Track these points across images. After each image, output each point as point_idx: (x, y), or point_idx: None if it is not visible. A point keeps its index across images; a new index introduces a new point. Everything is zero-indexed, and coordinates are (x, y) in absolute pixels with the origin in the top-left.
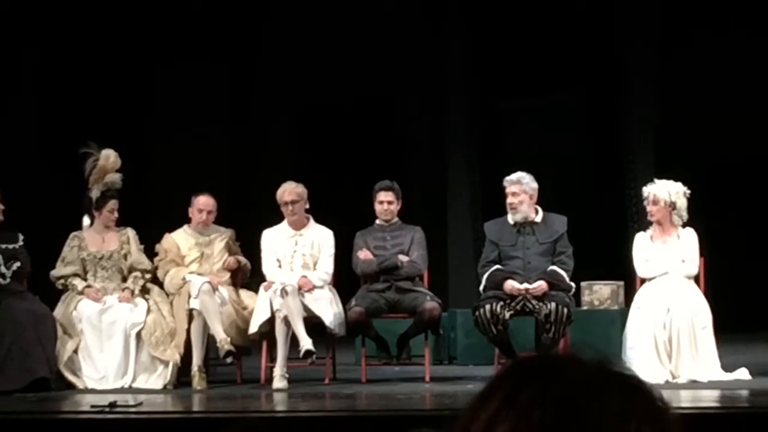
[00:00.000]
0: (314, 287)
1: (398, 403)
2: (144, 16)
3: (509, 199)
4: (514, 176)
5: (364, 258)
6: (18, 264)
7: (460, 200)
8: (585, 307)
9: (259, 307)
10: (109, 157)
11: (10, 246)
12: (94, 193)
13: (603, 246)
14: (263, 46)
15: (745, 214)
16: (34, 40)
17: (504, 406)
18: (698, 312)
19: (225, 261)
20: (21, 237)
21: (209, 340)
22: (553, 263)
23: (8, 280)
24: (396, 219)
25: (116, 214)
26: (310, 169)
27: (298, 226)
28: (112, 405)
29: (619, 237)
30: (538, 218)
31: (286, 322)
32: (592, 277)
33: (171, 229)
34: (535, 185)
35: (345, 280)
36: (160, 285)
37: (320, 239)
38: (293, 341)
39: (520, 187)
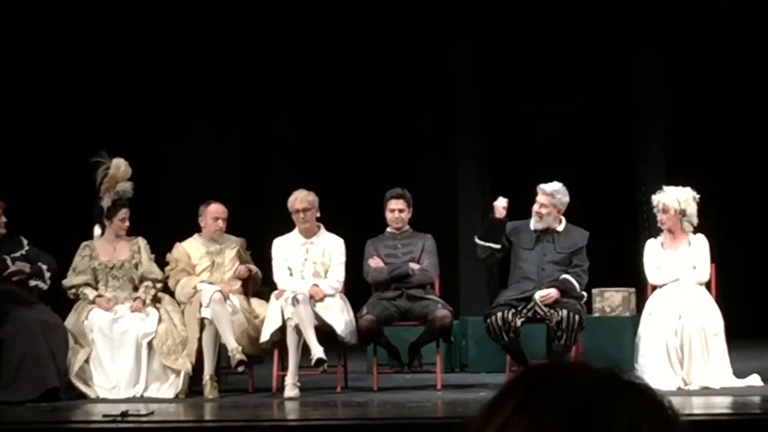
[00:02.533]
0: (325, 296)
1: (410, 411)
2: (151, 24)
3: (536, 207)
4: (548, 187)
5: (375, 266)
6: (47, 266)
7: (471, 208)
8: (596, 314)
9: (271, 315)
10: (119, 166)
11: (17, 254)
12: (105, 202)
13: (614, 253)
14: (270, 52)
15: (756, 219)
16: (43, 49)
17: (516, 412)
18: (710, 318)
19: (236, 270)
20: (25, 242)
21: (221, 349)
22: (567, 273)
23: (48, 284)
24: (407, 227)
25: (127, 223)
26: (320, 177)
27: (309, 234)
28: (124, 414)
29: (630, 244)
30: (560, 227)
31: (298, 330)
32: (603, 284)
33: (182, 239)
34: (566, 200)
35: (356, 288)
36: (172, 294)
37: (331, 247)
38: (305, 350)
39: (551, 200)
